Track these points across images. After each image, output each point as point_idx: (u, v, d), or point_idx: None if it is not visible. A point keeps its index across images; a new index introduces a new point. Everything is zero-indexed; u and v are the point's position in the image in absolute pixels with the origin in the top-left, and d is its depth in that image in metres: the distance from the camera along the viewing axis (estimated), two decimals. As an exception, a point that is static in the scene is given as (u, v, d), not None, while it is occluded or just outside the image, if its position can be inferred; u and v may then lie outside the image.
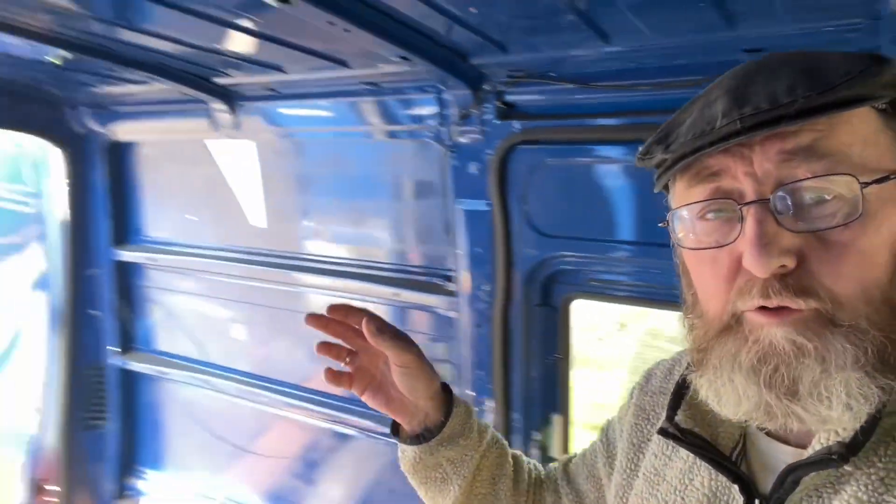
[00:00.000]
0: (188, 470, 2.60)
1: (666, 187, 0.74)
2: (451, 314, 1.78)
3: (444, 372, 1.85)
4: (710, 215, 0.65)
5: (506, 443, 1.09)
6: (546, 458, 1.70)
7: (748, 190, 0.61)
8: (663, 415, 0.78)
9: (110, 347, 2.57)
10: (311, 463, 2.28)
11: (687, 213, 0.67)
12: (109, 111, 2.23)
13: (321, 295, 2.03)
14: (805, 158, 0.59)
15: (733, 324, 0.64)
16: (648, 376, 0.95)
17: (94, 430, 2.62)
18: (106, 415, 2.63)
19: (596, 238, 1.51)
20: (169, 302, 2.48)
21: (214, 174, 2.16)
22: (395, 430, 1.03)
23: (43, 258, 2.60)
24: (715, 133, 0.61)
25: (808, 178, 0.59)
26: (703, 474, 0.74)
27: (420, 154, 1.73)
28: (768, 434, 0.71)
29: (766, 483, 0.68)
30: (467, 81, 1.51)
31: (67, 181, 2.37)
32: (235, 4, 1.23)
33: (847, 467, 0.61)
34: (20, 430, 2.74)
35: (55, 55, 1.79)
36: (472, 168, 1.62)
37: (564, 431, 1.73)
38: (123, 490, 2.69)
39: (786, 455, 0.68)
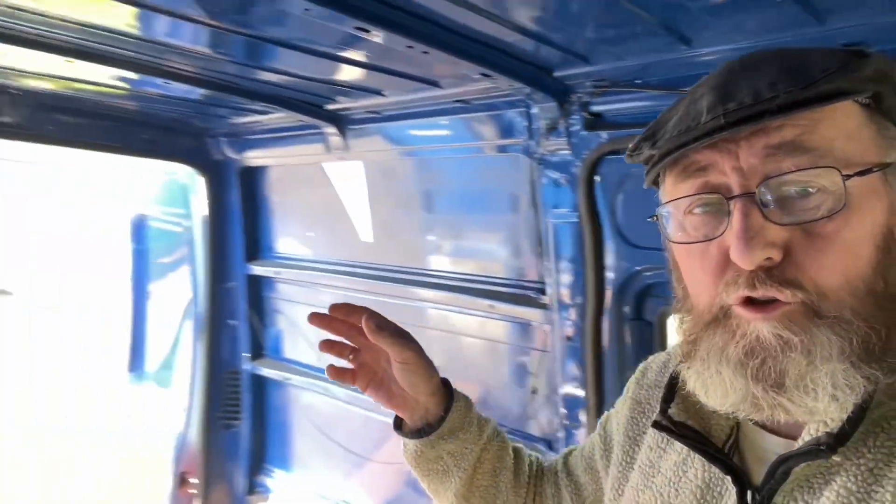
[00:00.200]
0: (309, 471, 2.78)
1: (656, 183, 0.75)
2: (545, 327, 1.78)
3: (539, 385, 1.85)
4: (697, 209, 0.66)
5: (506, 436, 1.11)
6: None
7: (734, 184, 0.62)
8: (658, 408, 0.78)
9: (244, 354, 2.83)
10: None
11: (675, 207, 0.69)
12: (242, 139, 2.48)
13: (423, 306, 2.11)
14: (789, 152, 0.60)
15: (721, 317, 0.65)
16: (644, 370, 0.96)
17: (230, 430, 2.88)
18: (240, 415, 2.89)
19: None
20: (292, 312, 2.70)
21: (330, 194, 2.33)
22: (399, 424, 1.07)
23: (189, 273, 2.93)
24: (700, 129, 0.62)
25: (793, 172, 0.60)
26: (697, 466, 0.75)
27: (511, 168, 1.77)
28: (760, 425, 0.72)
29: (759, 474, 0.69)
30: (553, 94, 1.53)
31: (208, 203, 2.66)
32: (338, 40, 1.35)
33: (836, 458, 0.62)
34: (172, 427, 3.08)
35: (198, 93, 2.05)
36: (562, 180, 1.63)
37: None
38: (254, 487, 2.92)
39: (777, 446, 0.69)
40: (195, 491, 2.88)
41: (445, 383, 1.07)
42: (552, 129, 1.59)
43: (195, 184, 2.71)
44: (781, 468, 0.65)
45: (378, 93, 1.78)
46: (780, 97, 0.59)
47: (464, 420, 1.04)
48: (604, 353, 1.64)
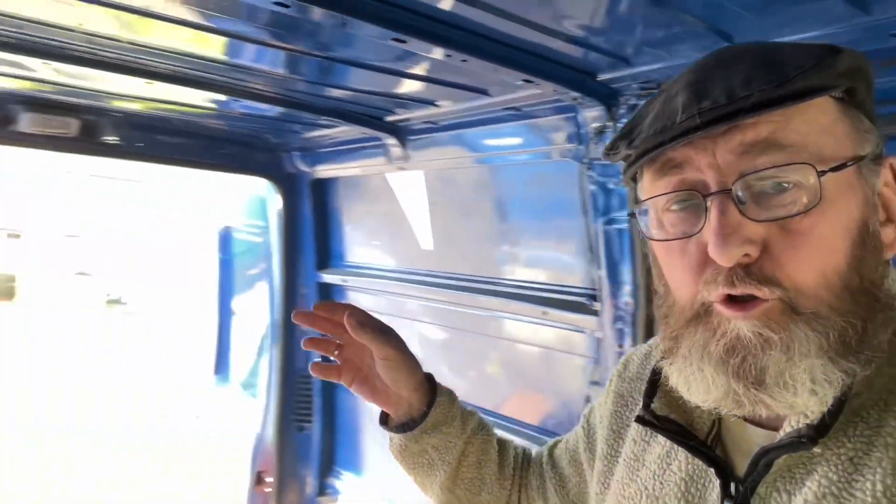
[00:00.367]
0: (376, 475, 2.84)
1: (634, 180, 0.75)
2: (598, 334, 1.76)
3: (593, 392, 1.83)
4: (675, 206, 0.67)
5: (492, 428, 1.12)
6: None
7: (711, 181, 0.63)
8: (641, 401, 0.78)
9: (316, 359, 2.94)
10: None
11: (653, 205, 0.69)
12: (312, 153, 2.61)
13: (479, 313, 2.13)
14: (764, 149, 0.61)
15: (703, 313, 0.66)
16: (626, 363, 0.95)
17: (302, 431, 3.00)
18: (312, 418, 3.00)
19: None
20: (360, 319, 2.78)
21: (393, 203, 2.41)
22: (384, 419, 1.10)
23: (267, 281, 3.08)
24: (675, 128, 0.63)
25: (768, 168, 0.61)
26: (681, 458, 0.76)
27: (562, 174, 1.77)
28: (742, 418, 0.72)
29: (742, 465, 0.70)
30: (600, 98, 1.52)
31: (283, 215, 2.81)
32: (393, 55, 1.43)
33: (817, 448, 0.62)
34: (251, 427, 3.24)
35: (275, 111, 2.19)
36: (610, 184, 1.61)
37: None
38: (324, 488, 3.02)
39: (759, 438, 0.70)
40: (270, 490, 3.01)
41: (430, 378, 1.09)
42: (601, 133, 1.58)
43: (271, 196, 2.87)
44: (764, 460, 0.65)
45: (431, 103, 1.83)
46: (754, 95, 0.59)
47: (447, 415, 1.06)
48: (656, 360, 1.61)
